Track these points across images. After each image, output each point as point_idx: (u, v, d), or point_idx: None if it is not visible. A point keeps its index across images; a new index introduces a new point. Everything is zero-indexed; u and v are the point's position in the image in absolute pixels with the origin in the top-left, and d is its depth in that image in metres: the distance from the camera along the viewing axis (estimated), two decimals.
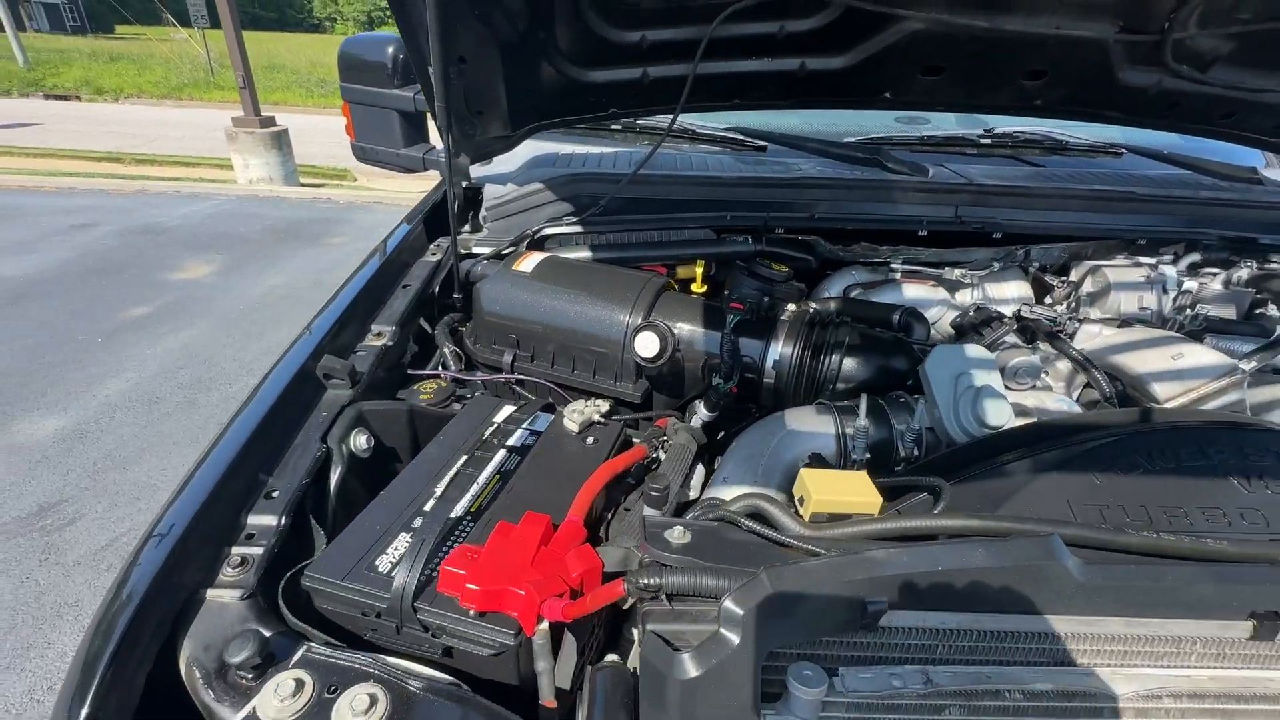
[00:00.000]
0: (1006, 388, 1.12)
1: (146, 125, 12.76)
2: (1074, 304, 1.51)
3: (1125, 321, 1.39)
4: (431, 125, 1.87)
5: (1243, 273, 1.45)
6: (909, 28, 1.50)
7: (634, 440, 1.16)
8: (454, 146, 1.68)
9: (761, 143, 1.96)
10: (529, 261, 1.40)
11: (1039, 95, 1.71)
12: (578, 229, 1.61)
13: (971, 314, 1.35)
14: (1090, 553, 0.66)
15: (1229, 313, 1.46)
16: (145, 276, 5.80)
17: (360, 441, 1.05)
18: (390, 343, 1.25)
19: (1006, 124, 2.07)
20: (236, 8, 7.86)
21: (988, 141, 2.02)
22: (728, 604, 0.59)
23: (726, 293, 1.42)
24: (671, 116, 1.66)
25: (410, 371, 1.29)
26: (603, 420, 1.14)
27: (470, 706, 0.69)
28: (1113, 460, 0.83)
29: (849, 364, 1.17)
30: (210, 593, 0.78)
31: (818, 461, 0.95)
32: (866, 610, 0.61)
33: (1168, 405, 1.06)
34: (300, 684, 0.71)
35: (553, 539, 0.84)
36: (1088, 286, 1.52)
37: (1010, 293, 1.61)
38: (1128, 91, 1.66)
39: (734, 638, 0.58)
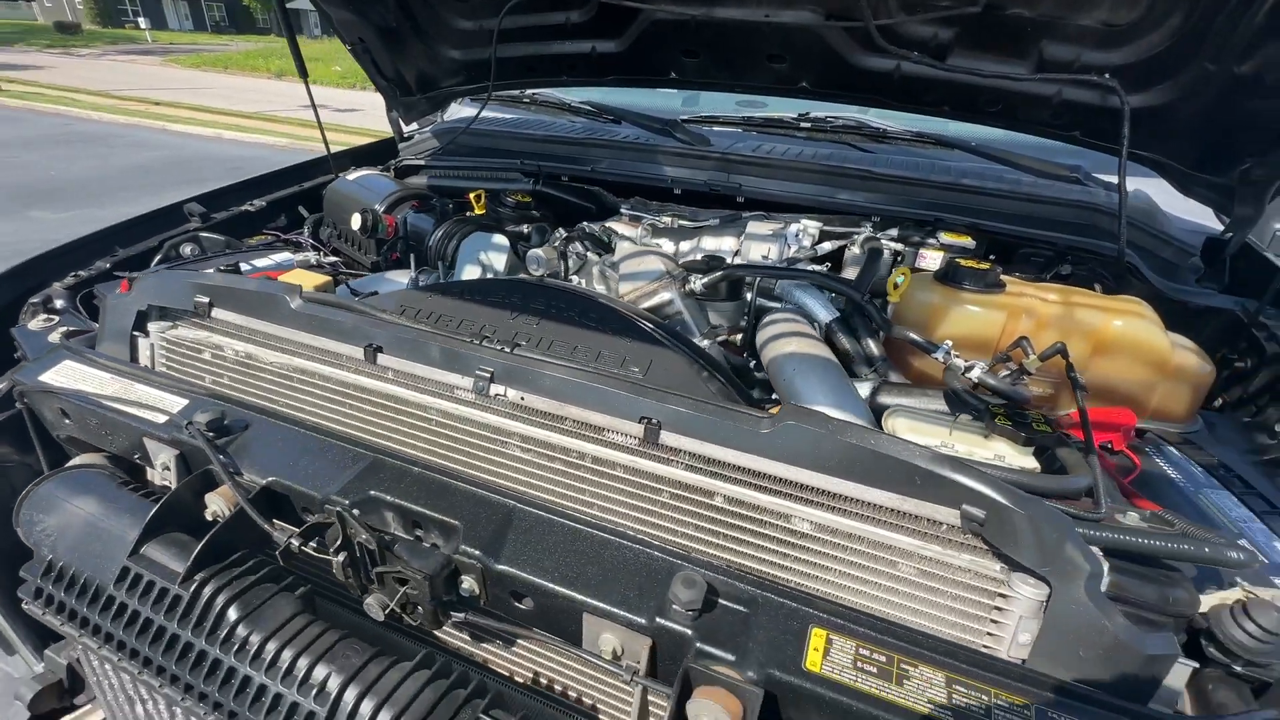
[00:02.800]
0: (526, 270, 1.51)
1: None
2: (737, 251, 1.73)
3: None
4: None
5: (860, 237, 1.54)
6: (650, 17, 1.86)
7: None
8: (390, 103, 2.44)
9: (612, 116, 2.37)
10: (354, 174, 2.08)
11: (797, 78, 1.90)
12: (420, 161, 2.25)
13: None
14: (320, 306, 1.14)
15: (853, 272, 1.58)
16: None
17: (186, 250, 1.83)
18: (252, 209, 2.03)
19: (828, 110, 2.20)
20: None
21: (807, 125, 2.18)
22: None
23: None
24: (490, 91, 2.19)
25: (265, 230, 2.06)
26: (319, 264, 1.78)
27: None
28: (451, 292, 1.25)
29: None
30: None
31: None
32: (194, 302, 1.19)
33: (622, 297, 1.37)
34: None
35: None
36: (743, 236, 1.73)
37: (724, 245, 1.85)
38: (872, 76, 1.79)
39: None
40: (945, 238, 1.60)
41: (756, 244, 1.66)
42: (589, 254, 1.59)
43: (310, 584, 0.90)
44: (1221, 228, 1.70)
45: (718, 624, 0.74)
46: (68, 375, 1.17)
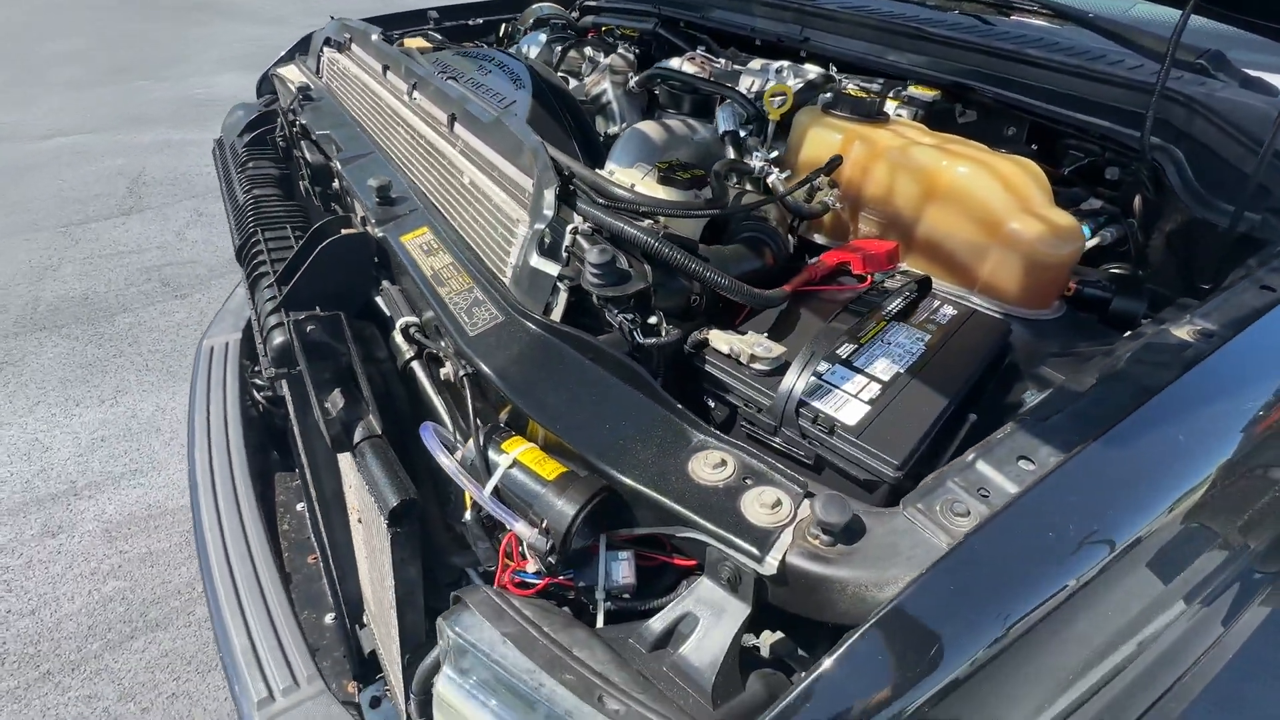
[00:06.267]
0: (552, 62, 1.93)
1: None
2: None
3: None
4: None
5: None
6: None
7: None
8: None
9: None
10: (537, 4, 2.67)
11: None
12: (595, 3, 2.71)
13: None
14: (384, 44, 1.77)
15: None
16: None
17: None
18: (470, 24, 2.79)
19: None
20: None
21: None
22: None
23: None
24: None
25: (477, 41, 2.81)
26: None
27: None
28: (463, 54, 1.76)
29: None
30: None
31: None
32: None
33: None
34: None
35: None
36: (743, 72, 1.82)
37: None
38: None
39: None
40: (912, 90, 1.50)
41: (745, 77, 1.78)
42: (599, 59, 1.94)
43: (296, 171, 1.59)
44: None
45: (390, 210, 1.18)
46: (290, 70, 2.05)
